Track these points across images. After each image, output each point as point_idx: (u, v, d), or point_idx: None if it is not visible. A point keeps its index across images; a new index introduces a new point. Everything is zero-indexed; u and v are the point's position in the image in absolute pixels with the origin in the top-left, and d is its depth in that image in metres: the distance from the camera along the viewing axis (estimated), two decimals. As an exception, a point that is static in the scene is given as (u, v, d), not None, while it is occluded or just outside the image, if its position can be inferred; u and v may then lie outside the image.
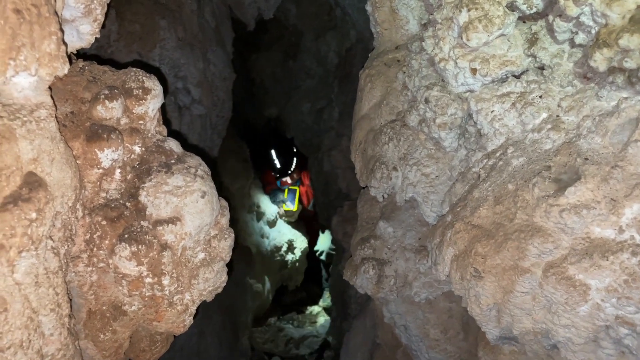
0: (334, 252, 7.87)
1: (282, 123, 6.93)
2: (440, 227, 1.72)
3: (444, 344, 2.39)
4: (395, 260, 2.17)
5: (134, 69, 1.39)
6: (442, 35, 1.70)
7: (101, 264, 1.29)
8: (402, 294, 2.20)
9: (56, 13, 1.04)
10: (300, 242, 8.55)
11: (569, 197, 1.29)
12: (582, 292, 1.29)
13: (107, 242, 1.27)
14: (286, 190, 7.79)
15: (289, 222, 8.08)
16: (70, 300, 1.30)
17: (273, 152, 7.32)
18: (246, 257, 7.19)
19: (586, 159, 1.32)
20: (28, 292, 1.05)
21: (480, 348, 1.90)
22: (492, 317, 1.56)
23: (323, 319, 8.06)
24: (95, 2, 1.22)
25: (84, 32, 1.27)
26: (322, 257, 8.16)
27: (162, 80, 3.76)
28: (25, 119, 1.02)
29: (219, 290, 1.48)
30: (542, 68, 1.59)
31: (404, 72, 1.96)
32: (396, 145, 1.95)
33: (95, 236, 1.27)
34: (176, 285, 1.35)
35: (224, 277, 1.47)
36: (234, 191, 7.05)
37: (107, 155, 1.26)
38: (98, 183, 1.28)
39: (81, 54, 1.60)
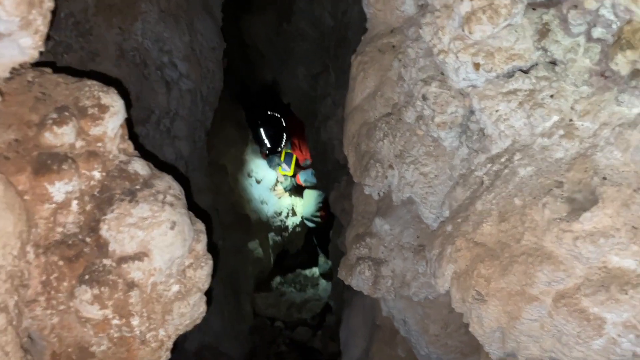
0: (318, 220, 7.70)
1: (278, 88, 6.70)
2: (440, 236, 1.58)
3: (444, 339, 2.29)
4: (392, 260, 2.04)
5: (89, 82, 1.21)
6: (442, 25, 1.51)
7: (61, 307, 1.16)
8: (400, 294, 2.09)
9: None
10: (301, 207, 8.47)
11: (584, 223, 1.14)
12: (596, 327, 1.16)
13: (65, 284, 1.14)
14: (283, 152, 7.59)
15: (286, 190, 7.94)
16: (31, 342, 1.18)
17: (262, 130, 7.08)
18: (245, 225, 7.12)
19: (604, 178, 1.17)
20: (-32, 362, 0.92)
21: (483, 356, 1.80)
22: (495, 339, 1.45)
23: (325, 282, 8.05)
24: (34, 12, 1.04)
25: (25, 46, 1.09)
26: (309, 224, 7.98)
27: (147, 54, 3.52)
28: (-52, 167, 0.87)
29: (198, 321, 1.36)
30: (553, 63, 1.41)
31: (400, 61, 1.78)
32: (392, 141, 1.79)
33: (52, 278, 1.14)
34: (148, 324, 1.23)
35: (202, 308, 1.35)
36: (231, 157, 6.92)
37: (59, 189, 1.11)
38: (52, 218, 1.14)
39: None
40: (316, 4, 5.48)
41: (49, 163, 1.09)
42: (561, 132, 1.33)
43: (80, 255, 1.14)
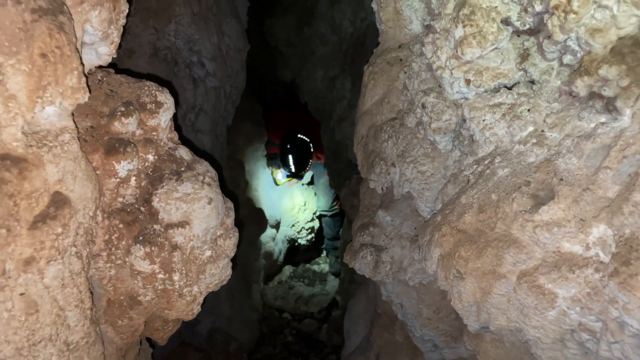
0: (336, 209, 7.81)
1: (297, 87, 6.97)
2: (431, 225, 1.85)
3: (436, 323, 2.55)
4: (391, 247, 2.31)
5: (147, 83, 1.50)
6: (440, 45, 1.78)
7: (119, 261, 1.45)
8: (397, 278, 2.36)
9: (77, 50, 1.16)
10: (313, 204, 8.74)
11: (542, 215, 1.41)
12: (550, 300, 1.43)
13: (123, 243, 1.43)
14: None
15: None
16: (92, 290, 1.47)
17: (290, 157, 6.90)
18: (259, 218, 7.41)
19: (561, 179, 1.43)
20: (56, 293, 1.21)
21: (465, 334, 2.06)
22: (472, 312, 1.71)
23: (333, 278, 8.30)
24: (112, 27, 1.33)
25: (102, 53, 1.38)
26: (326, 213, 8.08)
27: (178, 53, 3.81)
28: (51, 144, 1.16)
29: (225, 282, 1.64)
30: (532, 82, 1.67)
31: (405, 73, 2.05)
32: (395, 143, 2.06)
33: (113, 237, 1.43)
34: (185, 280, 1.51)
35: (228, 272, 1.63)
36: (249, 152, 7.19)
37: (123, 167, 1.39)
38: (115, 190, 1.43)
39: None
40: (337, 10, 5.74)
41: (117, 146, 1.38)
42: (534, 140, 1.59)
43: (136, 220, 1.43)
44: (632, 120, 1.31)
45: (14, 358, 1.13)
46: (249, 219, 6.87)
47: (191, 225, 1.46)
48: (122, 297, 1.52)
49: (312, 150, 7.07)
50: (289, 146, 7.00)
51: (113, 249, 1.43)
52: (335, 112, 5.71)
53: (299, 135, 7.13)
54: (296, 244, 8.95)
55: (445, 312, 2.54)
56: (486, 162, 1.73)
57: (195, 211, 1.46)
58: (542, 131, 1.59)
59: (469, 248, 1.61)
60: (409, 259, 2.29)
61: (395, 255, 2.31)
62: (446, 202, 1.87)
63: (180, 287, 1.52)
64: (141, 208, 1.45)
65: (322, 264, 8.71)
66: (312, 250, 9.11)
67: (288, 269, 8.47)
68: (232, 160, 6.43)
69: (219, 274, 1.58)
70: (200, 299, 1.60)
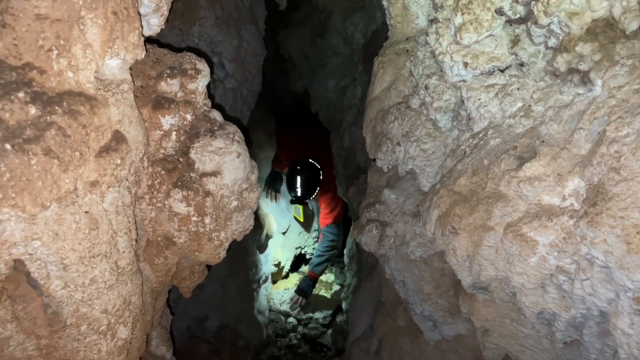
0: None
1: (308, 98, 7.24)
2: (430, 193, 2.07)
3: (436, 298, 2.75)
4: (395, 223, 2.53)
5: (188, 53, 1.75)
6: (442, 33, 2.03)
7: (159, 204, 1.68)
8: (400, 252, 2.57)
9: (139, 12, 1.41)
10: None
11: (525, 171, 1.63)
12: (532, 247, 1.64)
13: (164, 187, 1.66)
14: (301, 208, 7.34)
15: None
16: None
17: (299, 178, 6.57)
18: (268, 224, 7.62)
19: (543, 141, 1.66)
20: (111, 217, 1.44)
21: (461, 297, 2.27)
22: (465, 267, 1.92)
23: (338, 287, 8.46)
24: (163, 1, 1.59)
25: (152, 24, 1.63)
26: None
27: (200, 54, 4.07)
28: (114, 90, 1.40)
29: (247, 232, 1.87)
30: (522, 64, 1.91)
31: (411, 61, 2.29)
32: (400, 124, 2.29)
33: (155, 182, 1.66)
34: (215, 225, 1.74)
35: (251, 222, 1.86)
36: (260, 161, 7.43)
37: (167, 121, 1.64)
38: (159, 142, 1.67)
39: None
40: (349, 23, 6.04)
41: (162, 102, 1.62)
42: (522, 114, 1.82)
43: (176, 169, 1.67)
44: (602, 89, 1.54)
45: (77, 265, 1.36)
46: (258, 223, 7.05)
47: (222, 175, 1.70)
48: (159, 238, 1.75)
49: (321, 178, 6.79)
50: (298, 167, 6.71)
51: (155, 192, 1.66)
52: (345, 119, 5.96)
53: (309, 160, 6.87)
54: (303, 252, 9.14)
55: (445, 289, 2.74)
56: (480, 135, 1.96)
57: (226, 163, 1.70)
58: (529, 106, 1.82)
59: (463, 207, 1.83)
60: (411, 234, 2.51)
61: (398, 230, 2.53)
62: (445, 173, 2.09)
63: (210, 230, 1.74)
64: (180, 159, 1.69)
65: (328, 274, 8.88)
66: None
67: (294, 277, 8.65)
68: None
69: (243, 222, 1.80)
70: (226, 245, 1.83)
